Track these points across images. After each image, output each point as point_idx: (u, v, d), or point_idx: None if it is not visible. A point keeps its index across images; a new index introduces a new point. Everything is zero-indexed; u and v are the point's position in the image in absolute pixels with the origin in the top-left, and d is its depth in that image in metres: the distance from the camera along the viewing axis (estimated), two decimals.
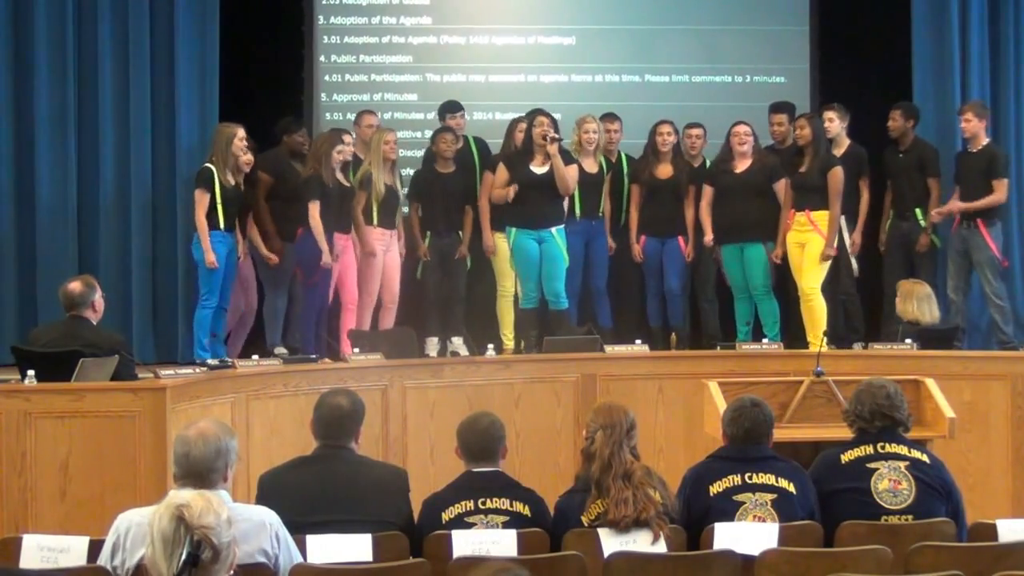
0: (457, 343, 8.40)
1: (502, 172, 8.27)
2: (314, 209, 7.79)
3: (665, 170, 8.56)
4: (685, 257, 8.50)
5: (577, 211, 8.41)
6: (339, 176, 7.98)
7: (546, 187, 8.08)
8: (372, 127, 8.51)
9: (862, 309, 8.60)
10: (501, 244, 8.36)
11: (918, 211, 8.52)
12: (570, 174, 8.10)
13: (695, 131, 8.71)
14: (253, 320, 8.34)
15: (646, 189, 8.57)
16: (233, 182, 7.78)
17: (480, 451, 4.32)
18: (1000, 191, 8.24)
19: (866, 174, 8.56)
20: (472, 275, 8.68)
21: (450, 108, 8.77)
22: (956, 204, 8.23)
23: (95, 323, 6.13)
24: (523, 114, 8.57)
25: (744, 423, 4.41)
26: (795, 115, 8.62)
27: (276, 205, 8.16)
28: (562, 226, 8.20)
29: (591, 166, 8.43)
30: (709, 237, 8.37)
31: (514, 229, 8.18)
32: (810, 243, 8.05)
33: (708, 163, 8.68)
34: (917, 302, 7.54)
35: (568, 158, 8.17)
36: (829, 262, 8.10)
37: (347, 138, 8.08)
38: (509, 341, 8.30)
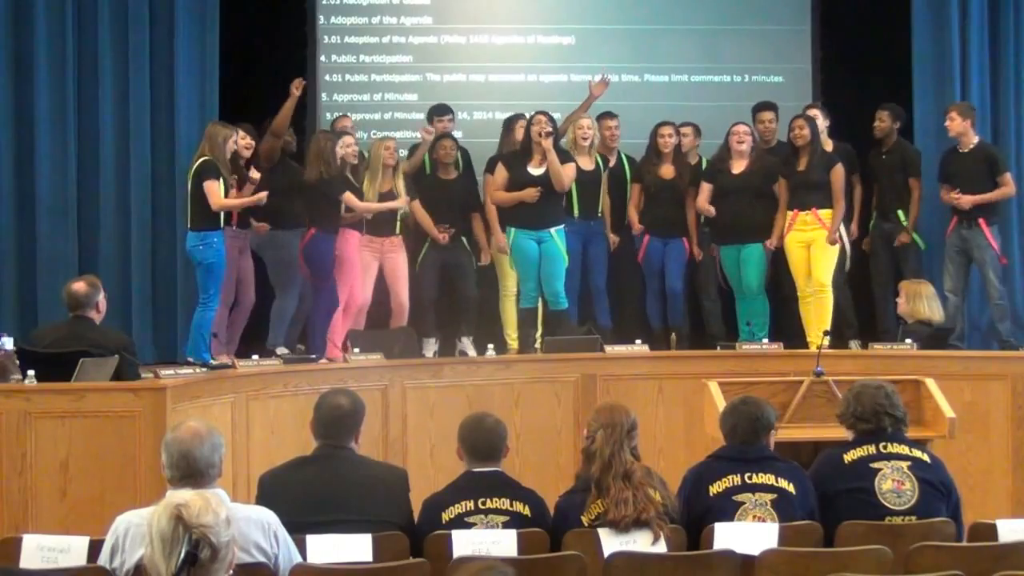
0: (466, 343, 8.37)
1: (501, 172, 8.22)
2: (351, 199, 7.73)
3: (668, 170, 8.55)
4: (689, 257, 8.48)
5: (575, 211, 8.37)
6: (348, 174, 7.87)
7: (544, 188, 8.04)
8: (348, 128, 8.33)
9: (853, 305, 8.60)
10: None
11: (900, 213, 8.52)
12: (567, 172, 8.04)
13: (685, 129, 8.71)
14: (247, 319, 8.23)
15: (649, 189, 8.56)
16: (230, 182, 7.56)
17: (486, 451, 4.33)
18: (1010, 184, 8.23)
19: (857, 170, 8.63)
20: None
21: (438, 111, 8.71)
22: (967, 197, 8.08)
23: (98, 323, 6.13)
24: (518, 112, 8.54)
25: (742, 423, 4.41)
26: (778, 113, 8.63)
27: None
28: (562, 227, 8.15)
29: (587, 164, 8.39)
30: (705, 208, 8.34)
31: (513, 229, 8.14)
32: (816, 240, 8.02)
33: (705, 163, 8.69)
34: (927, 302, 7.50)
35: (565, 156, 8.12)
36: (837, 256, 8.05)
37: (348, 139, 7.95)
38: (513, 341, 8.26)
